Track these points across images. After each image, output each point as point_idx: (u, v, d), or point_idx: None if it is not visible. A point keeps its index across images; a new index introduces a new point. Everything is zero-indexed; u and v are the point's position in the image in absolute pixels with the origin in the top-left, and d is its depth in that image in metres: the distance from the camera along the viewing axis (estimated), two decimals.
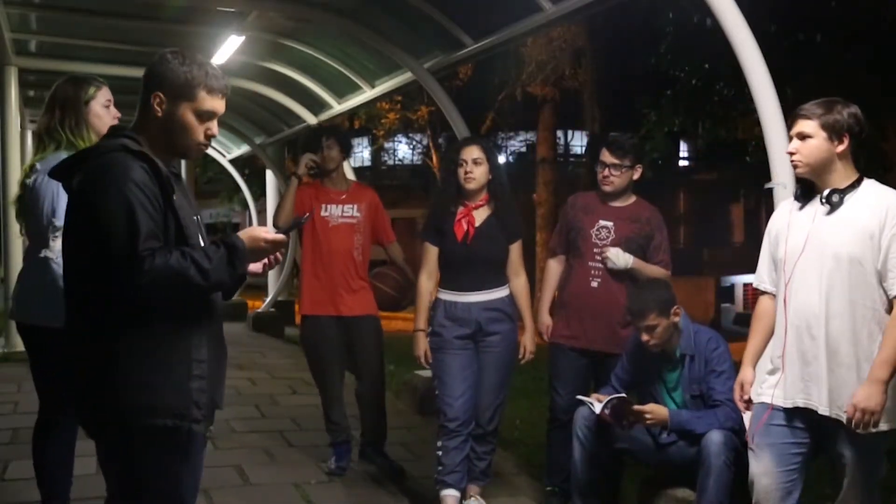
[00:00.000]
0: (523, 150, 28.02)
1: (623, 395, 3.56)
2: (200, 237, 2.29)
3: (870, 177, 2.81)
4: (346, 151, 4.77)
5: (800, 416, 2.83)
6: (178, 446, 2.26)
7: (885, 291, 2.68)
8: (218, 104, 2.24)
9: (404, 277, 4.73)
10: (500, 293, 4.00)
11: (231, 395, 6.78)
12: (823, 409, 2.75)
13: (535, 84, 16.82)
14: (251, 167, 18.89)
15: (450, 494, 3.97)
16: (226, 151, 13.41)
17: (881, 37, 9.74)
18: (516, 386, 7.94)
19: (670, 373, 3.64)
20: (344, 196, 4.68)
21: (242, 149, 12.52)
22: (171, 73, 2.19)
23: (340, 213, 4.65)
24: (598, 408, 3.50)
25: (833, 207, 2.76)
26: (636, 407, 3.50)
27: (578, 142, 29.77)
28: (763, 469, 2.90)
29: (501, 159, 26.64)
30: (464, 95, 15.76)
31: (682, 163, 30.51)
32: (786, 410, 2.86)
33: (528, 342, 4.03)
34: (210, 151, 13.86)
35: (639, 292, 3.61)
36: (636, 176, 4.07)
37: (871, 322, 2.70)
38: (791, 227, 2.88)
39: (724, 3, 3.42)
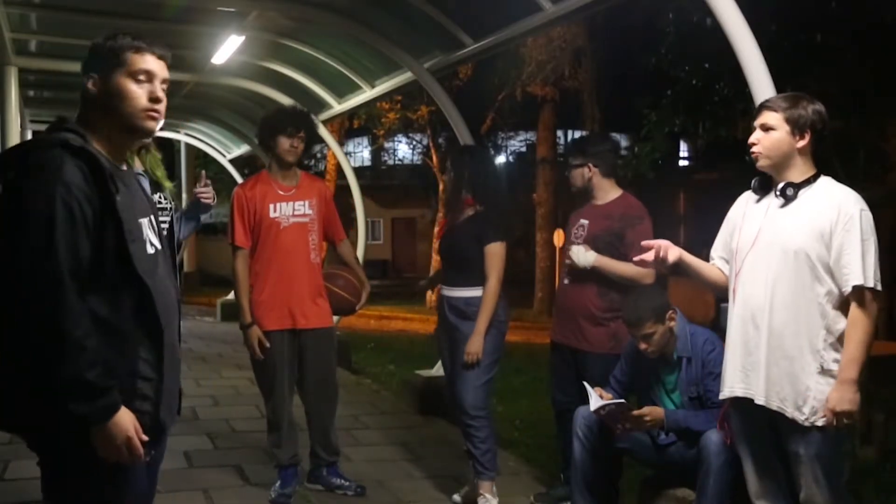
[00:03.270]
0: (523, 150, 28.04)
1: (622, 401, 3.55)
2: (153, 239, 2.18)
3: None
4: (307, 151, 4.32)
5: (758, 413, 2.85)
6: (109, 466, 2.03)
7: (840, 288, 2.70)
8: (153, 64, 2.12)
9: (357, 277, 4.42)
10: (465, 293, 4.09)
11: (231, 395, 6.80)
12: (760, 399, 2.79)
13: (535, 84, 16.83)
14: (251, 167, 18.89)
15: None
16: (226, 151, 13.41)
17: (881, 37, 9.74)
18: (516, 386, 7.97)
19: (668, 375, 3.63)
20: (293, 191, 4.23)
21: (242, 149, 12.52)
22: (97, 50, 2.12)
23: (291, 211, 4.19)
24: (593, 403, 3.49)
25: (787, 201, 2.80)
26: (633, 413, 3.49)
27: None
28: (749, 474, 2.98)
29: (501, 159, 26.65)
30: (464, 95, 15.75)
31: (682, 163, 30.52)
32: (746, 410, 2.90)
33: (469, 344, 3.99)
34: (210, 151, 13.90)
35: (633, 301, 3.59)
36: (589, 174, 4.00)
37: (816, 316, 2.73)
38: (746, 218, 2.93)
39: (724, 3, 3.42)
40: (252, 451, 5.06)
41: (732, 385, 2.89)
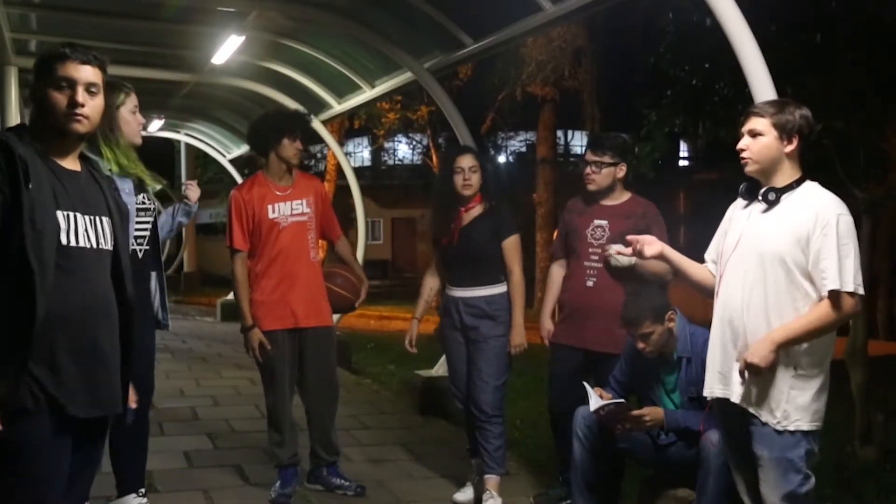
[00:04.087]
0: (523, 150, 28.03)
1: (622, 400, 3.55)
2: (91, 236, 2.29)
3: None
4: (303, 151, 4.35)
5: (736, 413, 2.86)
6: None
7: (819, 292, 2.70)
8: (74, 70, 2.28)
9: (355, 275, 4.46)
10: (481, 291, 4.13)
11: (231, 395, 6.80)
12: (735, 398, 2.82)
13: (535, 84, 16.82)
14: (251, 167, 18.88)
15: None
16: (226, 151, 13.41)
17: (881, 37, 9.73)
18: (516, 387, 7.96)
19: (668, 375, 3.63)
20: (290, 190, 4.23)
21: (242, 149, 12.52)
22: (37, 59, 2.34)
23: (290, 210, 4.19)
24: (593, 404, 3.49)
25: (769, 206, 2.81)
26: (633, 413, 3.49)
27: (578, 142, 29.78)
28: (736, 472, 3.00)
29: (501, 159, 26.66)
30: (464, 95, 15.76)
31: (682, 163, 30.54)
32: (725, 409, 2.92)
33: (514, 337, 4.10)
34: (210, 151, 13.90)
35: (633, 300, 3.59)
36: (620, 174, 4.06)
37: (791, 320, 2.72)
38: (732, 223, 2.96)
39: (724, 3, 3.42)
40: (252, 451, 5.06)
41: (712, 386, 2.93)
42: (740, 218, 2.92)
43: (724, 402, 2.90)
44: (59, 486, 2.26)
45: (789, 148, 2.79)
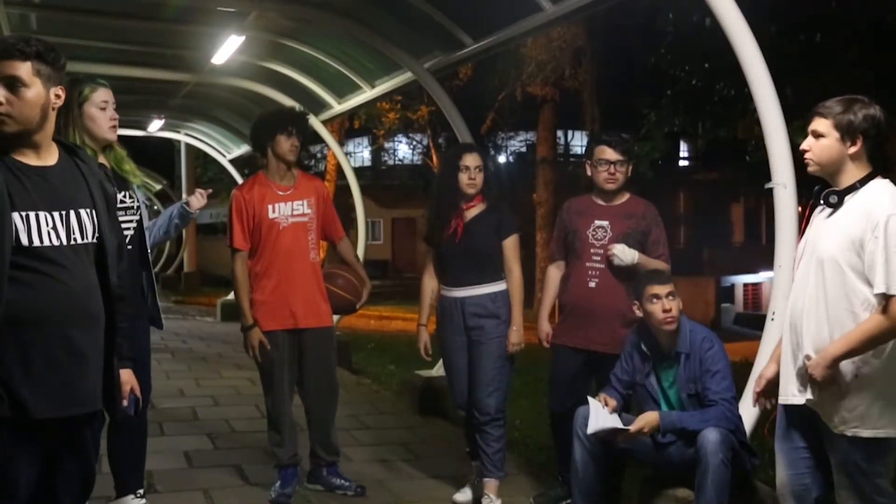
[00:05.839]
0: (523, 150, 28.09)
1: (618, 426, 3.55)
2: (61, 232, 2.20)
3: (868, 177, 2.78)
4: (302, 150, 4.33)
5: (803, 417, 2.83)
6: None
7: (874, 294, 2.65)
8: None
9: (357, 276, 4.43)
10: (483, 290, 4.11)
11: (231, 395, 6.80)
12: (801, 399, 2.78)
13: (535, 84, 16.84)
14: (251, 167, 18.88)
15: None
16: (226, 151, 13.41)
17: (880, 37, 9.74)
18: (516, 387, 7.96)
19: (666, 371, 3.63)
20: (291, 191, 4.22)
21: (242, 149, 12.53)
22: None
23: (290, 211, 4.18)
24: (591, 426, 3.52)
25: (833, 209, 2.75)
26: (630, 430, 3.49)
27: (578, 142, 29.81)
28: (778, 472, 2.94)
29: (501, 159, 26.71)
30: (464, 95, 15.77)
31: (682, 163, 30.58)
32: (788, 411, 2.88)
33: (512, 335, 4.09)
34: (210, 151, 13.91)
35: (643, 275, 3.69)
36: (629, 173, 4.10)
37: (850, 324, 2.67)
38: (806, 228, 2.90)
39: (724, 3, 3.42)
40: (252, 451, 5.06)
41: (786, 392, 2.85)
42: (812, 221, 2.86)
43: (792, 407, 2.84)
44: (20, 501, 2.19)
45: (853, 150, 2.70)
